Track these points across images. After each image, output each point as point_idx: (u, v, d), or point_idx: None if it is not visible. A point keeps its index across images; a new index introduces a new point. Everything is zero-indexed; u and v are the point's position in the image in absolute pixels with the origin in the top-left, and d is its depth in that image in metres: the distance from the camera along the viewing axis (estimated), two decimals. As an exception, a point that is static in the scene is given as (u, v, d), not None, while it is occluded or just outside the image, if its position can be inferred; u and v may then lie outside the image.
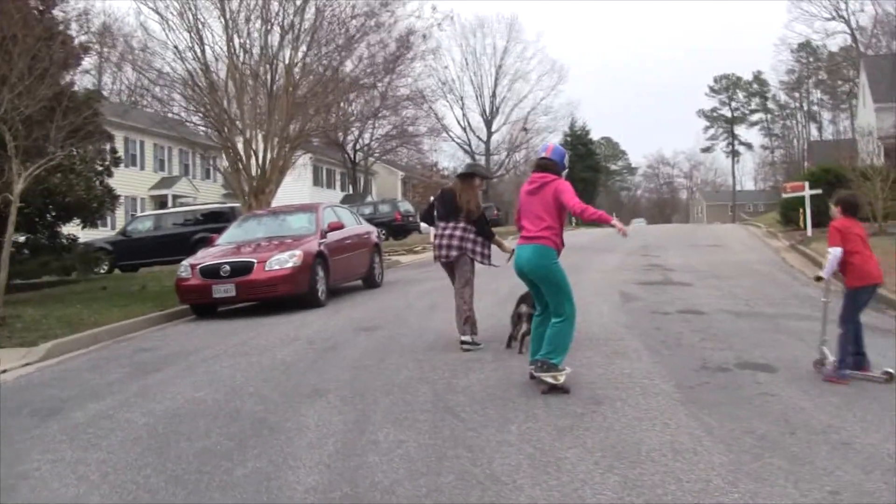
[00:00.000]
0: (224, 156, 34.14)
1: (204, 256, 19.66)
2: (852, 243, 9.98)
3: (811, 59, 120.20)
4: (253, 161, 31.52)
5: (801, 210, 33.34)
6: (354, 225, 23.06)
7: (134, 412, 9.96)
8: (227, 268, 18.48)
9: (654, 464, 6.99)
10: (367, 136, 75.85)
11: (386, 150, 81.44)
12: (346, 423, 8.71)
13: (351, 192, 76.98)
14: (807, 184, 32.60)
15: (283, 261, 18.44)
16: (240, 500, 6.83)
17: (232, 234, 21.35)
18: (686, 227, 71.68)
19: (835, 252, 9.95)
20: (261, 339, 14.77)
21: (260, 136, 31.86)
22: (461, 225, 12.80)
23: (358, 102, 64.29)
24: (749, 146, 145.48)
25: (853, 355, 10.05)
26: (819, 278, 10.48)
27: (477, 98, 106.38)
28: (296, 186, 67.48)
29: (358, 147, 76.04)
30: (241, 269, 18.47)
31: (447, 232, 12.88)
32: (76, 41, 25.26)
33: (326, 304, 19.14)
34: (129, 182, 57.59)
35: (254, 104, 32.82)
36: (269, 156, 31.66)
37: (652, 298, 17.09)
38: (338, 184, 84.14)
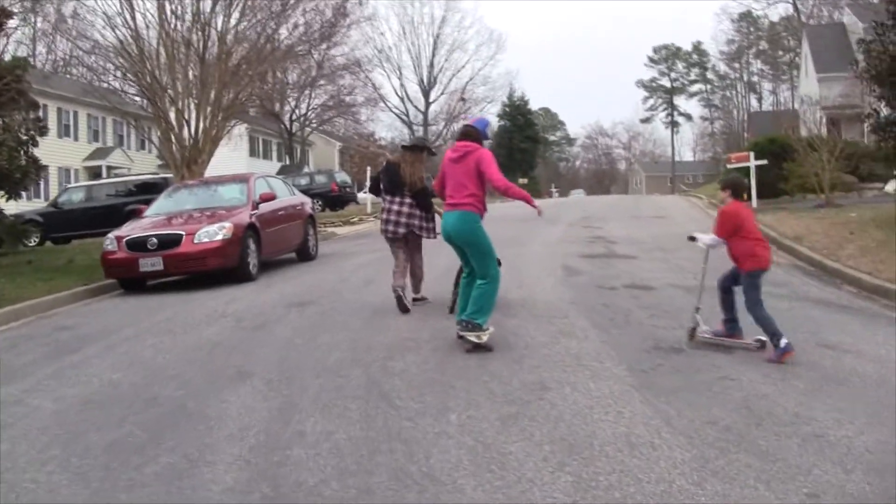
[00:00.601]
0: (156, 126, 33.10)
1: (131, 228, 18.80)
2: (747, 229, 9.94)
3: (752, 29, 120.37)
4: (185, 131, 30.65)
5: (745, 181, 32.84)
6: (288, 196, 22.21)
7: (45, 398, 9.21)
8: (155, 240, 17.65)
9: (608, 460, 6.32)
10: (303, 106, 74.99)
11: (323, 121, 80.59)
12: (270, 411, 8.00)
13: (288, 162, 75.91)
14: (752, 154, 32.04)
15: (213, 233, 17.64)
16: (148, 501, 6.11)
17: (161, 206, 20.44)
18: (627, 198, 70.92)
19: (712, 241, 10.20)
20: (187, 316, 14.01)
21: (192, 106, 30.95)
22: (407, 201, 13.23)
23: (294, 71, 63.75)
24: (688, 117, 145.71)
25: (725, 321, 10.30)
26: (692, 238, 10.61)
27: (415, 68, 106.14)
28: (232, 157, 66.52)
29: (294, 117, 74.99)
30: (170, 241, 17.65)
31: (394, 208, 13.27)
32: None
33: (258, 278, 18.43)
34: (62, 153, 56.61)
35: (186, 73, 31.85)
36: (201, 125, 30.85)
37: (597, 272, 16.44)
38: (274, 154, 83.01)
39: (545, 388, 8.28)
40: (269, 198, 20.04)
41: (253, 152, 78.89)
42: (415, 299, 13.49)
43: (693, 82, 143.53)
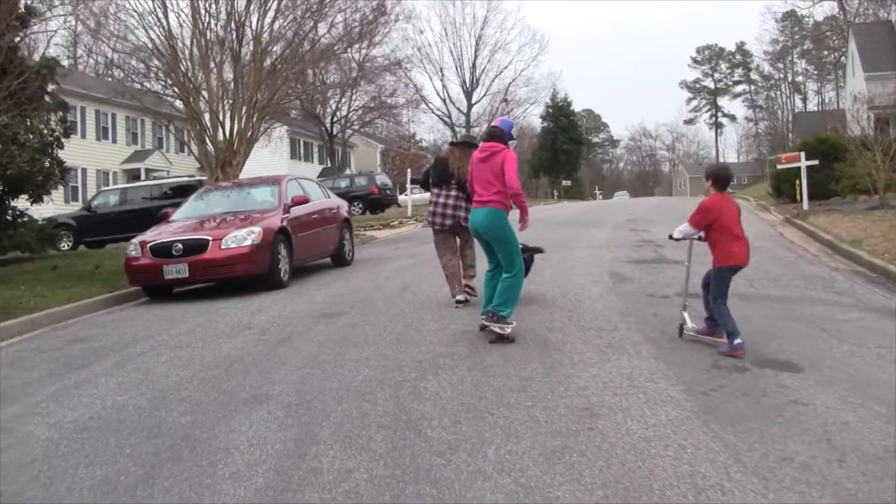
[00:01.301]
0: (191, 127, 32.35)
1: (156, 233, 18.01)
2: (721, 223, 9.84)
3: (796, 29, 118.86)
4: (220, 132, 29.87)
5: (796, 182, 31.65)
6: (322, 199, 21.35)
7: (39, 423, 8.37)
8: (180, 246, 16.83)
9: (672, 509, 5.38)
10: (344, 107, 74.06)
11: (364, 123, 79.69)
12: (284, 443, 7.09)
13: (329, 165, 75.15)
14: (802, 154, 30.90)
15: (241, 238, 16.80)
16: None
17: (189, 209, 19.66)
18: (671, 199, 69.47)
19: (687, 230, 10.19)
20: (209, 328, 13.16)
21: (227, 107, 30.19)
22: (453, 193, 13.61)
23: (334, 72, 63.02)
24: (732, 118, 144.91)
25: (706, 319, 10.28)
26: (672, 237, 10.61)
27: (457, 69, 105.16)
28: (273, 159, 66.30)
29: (335, 119, 74.17)
30: (195, 247, 16.83)
31: (440, 200, 13.73)
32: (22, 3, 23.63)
33: (289, 285, 17.57)
34: (100, 155, 56.32)
35: (220, 73, 31.09)
36: (236, 127, 30.05)
37: (646, 279, 15.45)
38: (315, 157, 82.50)
39: (595, 415, 7.33)
40: (302, 201, 19.17)
41: (294, 154, 78.56)
42: (466, 286, 13.78)
43: (737, 83, 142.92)
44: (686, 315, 10.34)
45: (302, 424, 7.56)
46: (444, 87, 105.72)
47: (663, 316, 11.69)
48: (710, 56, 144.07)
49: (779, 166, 34.27)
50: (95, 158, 56.59)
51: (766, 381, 8.31)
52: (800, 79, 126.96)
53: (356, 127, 79.76)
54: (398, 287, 16.11)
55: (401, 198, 49.68)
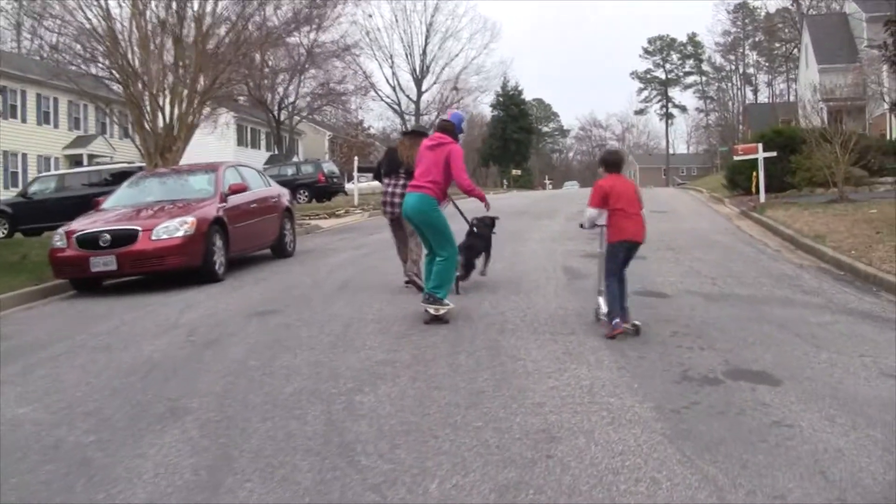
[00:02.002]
0: (130, 112, 31.14)
1: (85, 223, 16.94)
2: (613, 200, 10.18)
3: (748, 21, 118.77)
4: (160, 117, 28.73)
5: (753, 174, 30.91)
6: (262, 187, 20.32)
7: (-79, 441, 7.33)
8: (108, 237, 15.79)
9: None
10: (292, 94, 72.79)
11: (312, 110, 78.42)
12: (196, 471, 6.12)
13: (276, 152, 73.90)
14: (760, 146, 30.13)
15: (173, 229, 15.79)
16: None
17: (121, 197, 18.55)
18: None
19: (590, 213, 10.33)
20: (134, 327, 12.18)
21: (167, 90, 29.04)
22: (401, 182, 13.66)
23: (280, 57, 61.83)
24: (683, 109, 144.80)
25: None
26: (582, 226, 10.83)
27: (407, 57, 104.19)
28: (218, 146, 65.00)
29: (283, 106, 72.87)
30: (124, 238, 15.79)
31: (390, 189, 14.01)
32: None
33: (224, 278, 16.61)
34: (42, 141, 55.15)
35: (161, 55, 29.87)
36: (176, 111, 28.91)
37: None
38: (263, 144, 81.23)
39: (553, 438, 6.42)
40: (240, 189, 18.17)
41: (241, 141, 77.38)
42: (406, 281, 14.00)
43: (688, 74, 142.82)
44: (601, 300, 10.36)
45: (219, 447, 6.60)
46: (393, 74, 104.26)
47: (623, 317, 10.84)
48: (661, 47, 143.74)
49: (735, 158, 33.63)
50: (36, 143, 55.24)
51: (743, 395, 7.44)
52: (751, 70, 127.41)
53: (304, 114, 78.58)
54: (339, 282, 15.18)
55: (348, 186, 48.41)
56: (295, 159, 66.32)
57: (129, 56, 28.88)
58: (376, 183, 16.77)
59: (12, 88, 53.12)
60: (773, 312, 11.27)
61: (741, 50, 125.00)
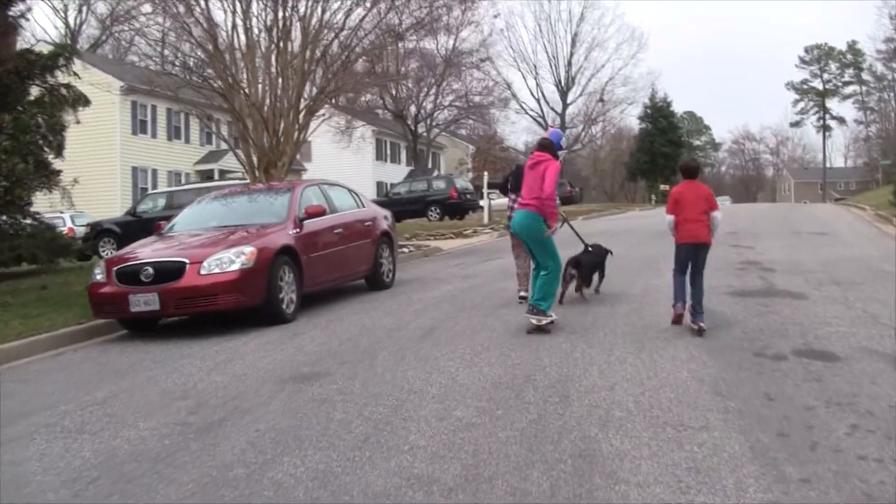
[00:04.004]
0: (234, 126, 28.88)
1: (133, 251, 14.44)
2: (680, 206, 11.15)
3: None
4: (263, 130, 26.29)
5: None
6: (353, 209, 17.47)
7: None
8: (150, 270, 13.17)
9: None
10: (429, 105, 70.27)
11: (449, 122, 75.88)
12: None
13: (414, 167, 71.52)
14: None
15: (227, 261, 13.11)
16: None
17: (184, 220, 16.05)
18: (779, 207, 63.77)
19: (668, 219, 11.43)
20: (135, 395, 9.47)
21: (270, 102, 26.62)
22: None
23: (413, 68, 59.63)
24: (841, 120, 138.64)
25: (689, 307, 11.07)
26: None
27: (551, 67, 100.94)
28: (355, 160, 63.72)
29: (420, 118, 70.38)
30: (169, 271, 13.12)
31: (515, 206, 13.20)
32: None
33: (295, 317, 13.91)
34: (173, 156, 54.15)
35: (267, 66, 27.42)
36: (283, 125, 26.44)
37: (751, 323, 11.44)
38: (403, 158, 79.03)
39: None
40: (318, 213, 15.39)
41: (380, 156, 76.02)
42: (521, 297, 14.08)
43: (847, 84, 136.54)
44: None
45: None
46: (538, 86, 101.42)
47: (782, 400, 7.69)
48: (818, 56, 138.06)
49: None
50: (167, 159, 54.12)
51: None
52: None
53: (441, 127, 76.21)
54: (424, 328, 12.35)
55: (481, 202, 45.46)
56: (436, 173, 64.05)
57: (232, 66, 26.55)
58: (506, 199, 15.86)
59: (143, 103, 51.93)
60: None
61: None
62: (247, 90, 26.43)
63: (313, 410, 8.12)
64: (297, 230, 14.71)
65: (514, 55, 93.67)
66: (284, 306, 13.74)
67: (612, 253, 15.00)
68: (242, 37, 26.79)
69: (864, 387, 8.04)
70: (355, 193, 18.31)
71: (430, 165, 76.52)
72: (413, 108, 69.05)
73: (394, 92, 63.48)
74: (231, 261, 13.06)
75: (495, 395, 8.14)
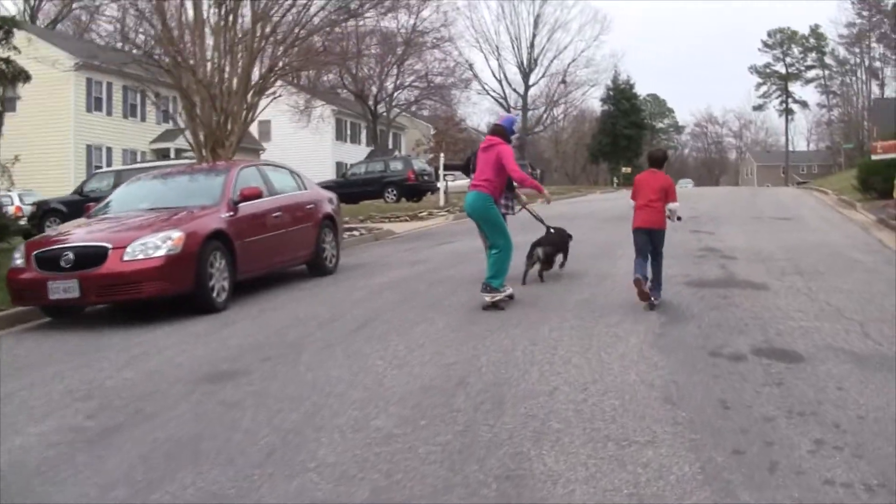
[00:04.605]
0: (179, 101, 28.03)
1: (57, 234, 13.65)
2: (639, 193, 11.80)
3: (874, 11, 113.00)
4: (210, 108, 25.37)
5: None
6: (293, 192, 16.58)
7: None
8: (70, 255, 12.32)
9: None
10: (390, 86, 69.41)
11: (410, 103, 75.08)
12: None
13: (375, 147, 70.66)
14: (903, 143, 25.97)
15: (152, 246, 12.26)
16: None
17: (114, 201, 15.17)
18: (741, 191, 62.50)
19: (630, 204, 12.09)
20: (35, 393, 8.62)
21: (217, 79, 25.70)
22: None
23: (374, 46, 58.77)
24: (804, 104, 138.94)
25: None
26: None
27: (514, 49, 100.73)
28: (314, 140, 62.92)
29: (380, 98, 69.49)
30: (90, 257, 12.28)
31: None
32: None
33: (227, 306, 13.14)
34: (129, 134, 53.91)
35: (217, 42, 26.46)
36: (230, 102, 25.54)
37: (709, 317, 10.69)
38: (363, 138, 78.15)
39: None
40: (254, 195, 14.52)
41: (340, 136, 75.43)
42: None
43: (809, 68, 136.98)
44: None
45: None
46: (500, 66, 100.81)
47: (738, 409, 6.95)
48: (781, 40, 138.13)
49: (873, 156, 29.41)
50: (122, 137, 53.26)
51: None
52: (877, 64, 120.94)
53: (402, 107, 75.42)
54: (361, 318, 11.63)
55: (438, 184, 44.59)
56: (396, 154, 63.25)
57: (180, 42, 25.66)
58: (466, 181, 15.68)
59: (97, 80, 51.02)
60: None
61: (867, 42, 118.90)
62: (195, 67, 25.51)
63: (220, 417, 7.33)
64: (231, 213, 13.90)
65: (476, 35, 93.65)
66: (215, 294, 12.93)
67: (571, 237, 15.20)
68: (191, 12, 25.93)
69: (830, 392, 7.31)
70: (297, 175, 17.42)
71: (391, 146, 75.74)
72: (374, 89, 68.27)
73: (354, 71, 62.62)
74: (157, 246, 12.24)
75: (422, 400, 7.37)
